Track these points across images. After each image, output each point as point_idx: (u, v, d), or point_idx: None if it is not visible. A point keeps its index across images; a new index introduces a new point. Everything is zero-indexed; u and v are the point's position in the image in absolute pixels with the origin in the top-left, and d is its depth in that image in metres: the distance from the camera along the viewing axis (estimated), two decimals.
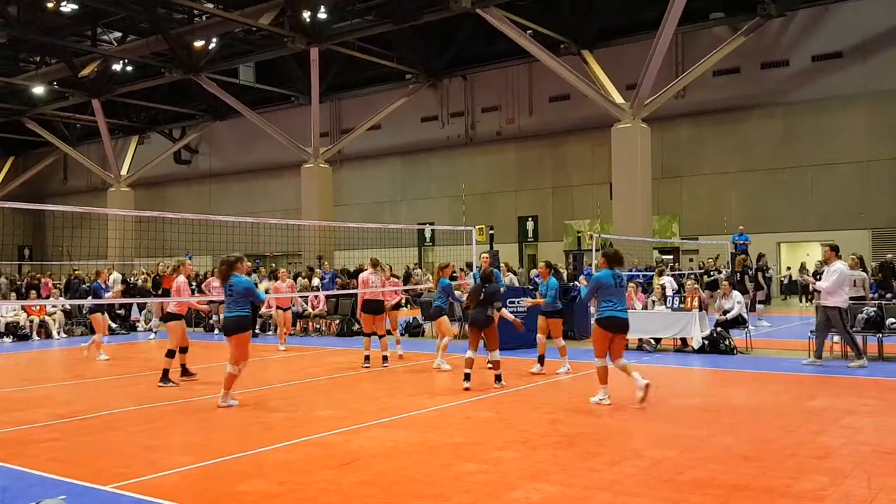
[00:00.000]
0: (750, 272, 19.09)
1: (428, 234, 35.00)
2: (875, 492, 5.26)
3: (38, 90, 37.07)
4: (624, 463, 6.13)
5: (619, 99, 26.15)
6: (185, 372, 11.27)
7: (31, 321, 18.77)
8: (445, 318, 12.10)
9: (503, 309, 10.74)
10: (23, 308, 18.73)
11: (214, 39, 31.42)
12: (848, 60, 27.20)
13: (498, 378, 9.96)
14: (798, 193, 27.99)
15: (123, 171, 41.43)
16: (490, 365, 10.45)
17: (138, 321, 20.70)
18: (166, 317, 11.64)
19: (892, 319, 12.12)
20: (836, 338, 12.39)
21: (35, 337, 18.62)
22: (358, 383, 10.79)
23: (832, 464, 6.00)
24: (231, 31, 30.89)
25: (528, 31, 26.97)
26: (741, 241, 22.73)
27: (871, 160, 26.58)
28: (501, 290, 11.18)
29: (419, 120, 36.35)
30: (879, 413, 8.03)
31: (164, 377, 10.70)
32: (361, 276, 12.99)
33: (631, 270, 21.20)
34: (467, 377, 9.70)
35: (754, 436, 7.01)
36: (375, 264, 12.91)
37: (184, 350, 11.21)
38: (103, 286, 15.17)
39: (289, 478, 5.86)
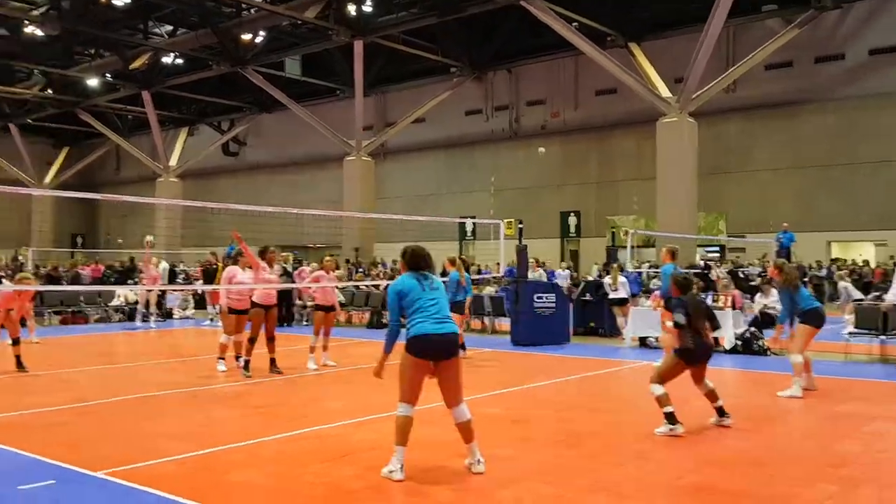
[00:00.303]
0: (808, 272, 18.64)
1: (469, 228, 34.85)
2: (884, 503, 4.96)
3: (92, 82, 37.93)
4: (626, 465, 5.92)
5: (665, 93, 25.59)
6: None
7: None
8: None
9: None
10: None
11: (261, 33, 31.73)
12: None
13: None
14: (850, 191, 27.05)
15: (173, 162, 42.16)
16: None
17: (174, 309, 20.99)
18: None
19: None
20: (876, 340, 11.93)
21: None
22: (370, 376, 10.68)
23: (845, 472, 5.69)
24: (277, 25, 31.12)
25: (574, 24, 26.56)
26: (786, 239, 22.05)
27: None
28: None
29: (463, 113, 36.16)
30: None
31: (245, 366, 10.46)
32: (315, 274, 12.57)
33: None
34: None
35: (769, 441, 6.72)
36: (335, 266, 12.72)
37: (252, 340, 10.56)
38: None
39: (281, 469, 5.80)
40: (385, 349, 5.88)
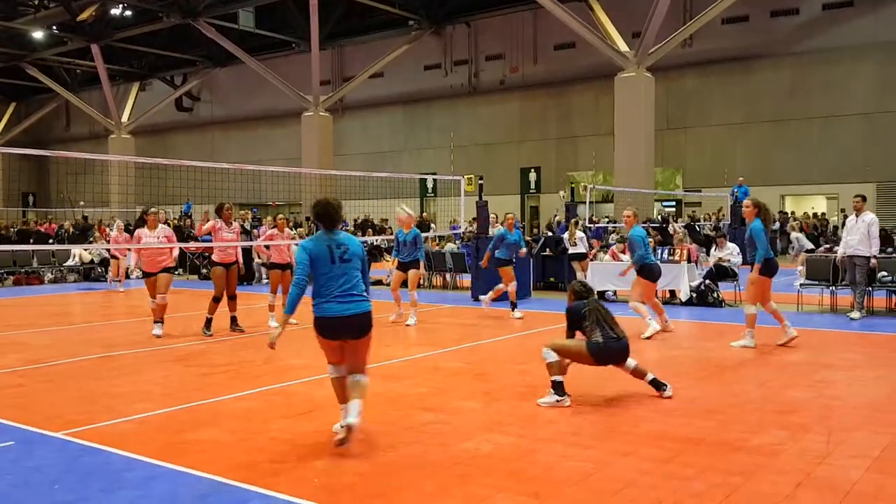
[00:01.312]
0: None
1: (430, 185, 34.76)
2: (832, 447, 5.15)
3: (37, 34, 36.62)
4: (585, 415, 6.03)
5: (623, 47, 25.59)
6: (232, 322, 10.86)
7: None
8: (509, 268, 12.04)
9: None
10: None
11: None
12: (859, 10, 26.48)
13: None
14: (804, 146, 27.53)
15: (124, 119, 41.17)
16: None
17: (131, 269, 20.66)
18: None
19: (885, 273, 11.92)
20: (826, 291, 12.27)
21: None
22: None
23: (795, 418, 5.87)
24: None
25: None
26: (741, 193, 22.41)
27: (879, 112, 26.04)
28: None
29: (422, 68, 35.79)
30: (856, 367, 7.90)
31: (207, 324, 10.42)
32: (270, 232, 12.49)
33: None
34: None
35: (722, 389, 6.90)
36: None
37: (216, 299, 10.49)
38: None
39: (242, 426, 5.80)
40: (287, 310, 5.42)
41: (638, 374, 6.57)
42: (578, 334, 6.59)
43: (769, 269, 9.11)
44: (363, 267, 5.51)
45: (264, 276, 19.03)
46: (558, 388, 6.34)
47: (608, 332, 6.40)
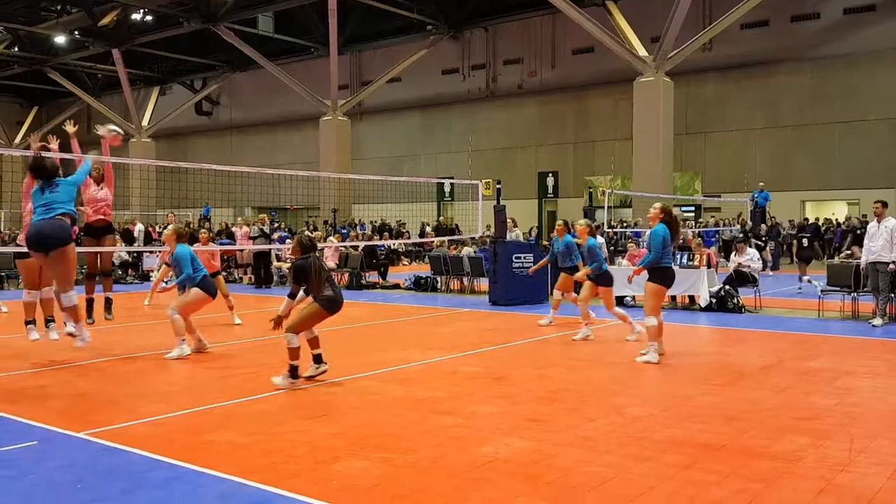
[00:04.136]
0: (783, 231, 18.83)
1: (447, 189, 34.80)
2: (855, 454, 5.09)
3: (60, 39, 37.09)
4: (602, 420, 6.01)
5: (642, 52, 25.51)
6: None
7: None
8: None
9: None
10: None
11: None
12: (881, 14, 26.25)
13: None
14: (824, 151, 27.31)
15: (145, 122, 41.53)
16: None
17: (152, 271, 20.82)
18: None
19: None
20: (847, 297, 12.18)
21: None
22: (353, 336, 10.75)
23: (816, 425, 5.82)
24: None
25: None
26: (761, 199, 22.26)
27: None
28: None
29: (440, 73, 35.87)
30: (878, 374, 7.82)
31: None
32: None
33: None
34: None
35: (743, 395, 6.85)
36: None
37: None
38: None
39: (260, 428, 5.82)
40: None
41: (314, 343, 7.47)
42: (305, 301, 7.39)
43: (660, 278, 8.49)
44: None
45: (280, 278, 19.14)
46: (294, 371, 7.16)
47: (334, 284, 7.48)
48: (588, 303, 10.30)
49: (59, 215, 7.32)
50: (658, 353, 8.42)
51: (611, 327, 11.68)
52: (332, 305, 7.35)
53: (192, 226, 24.69)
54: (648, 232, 9.50)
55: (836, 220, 26.41)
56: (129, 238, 22.46)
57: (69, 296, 7.58)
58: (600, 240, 15.43)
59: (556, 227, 11.69)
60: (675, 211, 9.32)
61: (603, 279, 10.16)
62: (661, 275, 8.55)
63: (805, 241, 18.94)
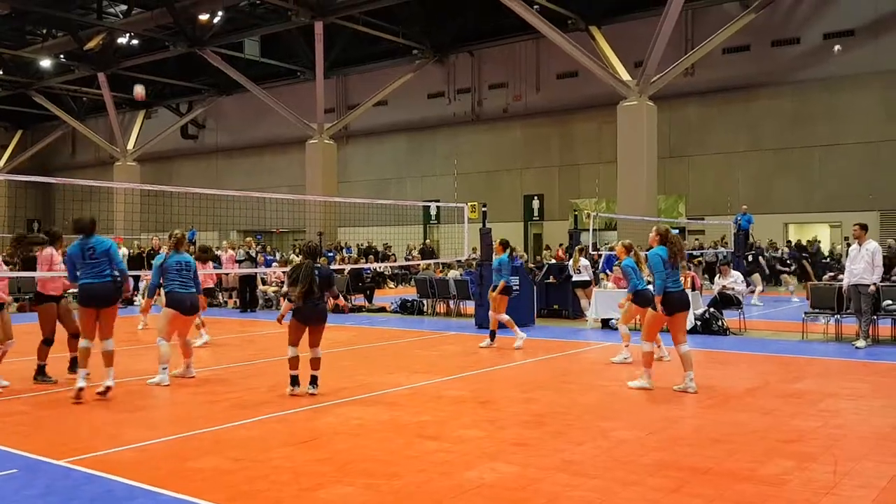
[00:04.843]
0: (764, 254, 18.98)
1: (434, 212, 34.85)
2: (839, 477, 5.11)
3: (45, 63, 37.00)
4: (588, 444, 6.00)
5: (625, 76, 25.75)
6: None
7: None
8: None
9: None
10: None
11: (219, 13, 31.13)
12: (860, 39, 26.65)
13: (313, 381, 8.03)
14: (806, 174, 27.59)
15: (130, 146, 41.39)
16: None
17: (135, 294, 20.67)
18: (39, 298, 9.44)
19: (889, 301, 11.90)
20: (830, 320, 12.26)
21: None
22: (339, 360, 10.68)
23: (801, 447, 5.84)
24: (236, 4, 30.61)
25: (535, 6, 26.52)
26: (744, 221, 22.43)
27: (882, 141, 26.08)
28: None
29: (426, 96, 36.02)
30: (861, 396, 7.86)
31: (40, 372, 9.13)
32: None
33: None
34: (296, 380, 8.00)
35: (728, 418, 6.86)
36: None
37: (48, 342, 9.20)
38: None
39: (245, 454, 5.77)
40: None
41: (314, 364, 8.05)
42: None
43: (667, 304, 8.10)
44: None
45: (269, 303, 19.05)
46: (294, 380, 7.96)
47: (311, 296, 7.82)
48: (628, 324, 10.34)
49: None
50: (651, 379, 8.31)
51: (593, 350, 11.71)
52: (301, 315, 7.90)
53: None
54: (644, 253, 9.64)
55: (788, 241, 26.76)
56: None
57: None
58: (584, 261, 15.55)
59: (496, 246, 12.42)
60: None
61: (640, 299, 9.80)
62: (659, 300, 8.13)
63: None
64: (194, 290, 8.95)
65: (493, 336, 11.88)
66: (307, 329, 7.99)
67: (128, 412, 7.35)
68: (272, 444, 6.10)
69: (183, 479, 5.19)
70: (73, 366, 8.98)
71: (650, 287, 8.88)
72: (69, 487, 5.05)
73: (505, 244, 12.14)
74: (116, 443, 6.13)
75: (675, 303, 8.18)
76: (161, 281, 8.94)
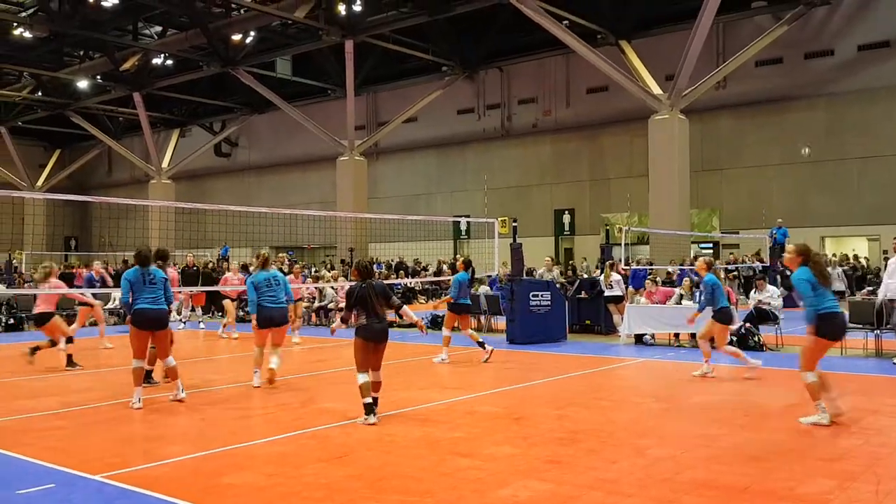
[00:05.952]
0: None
1: (464, 227, 34.85)
2: (882, 497, 4.98)
3: (82, 84, 37.80)
4: (623, 461, 5.91)
5: (656, 90, 25.63)
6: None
7: None
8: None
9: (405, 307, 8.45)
10: None
11: (252, 33, 31.65)
12: (895, 50, 26.27)
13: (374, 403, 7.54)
14: (842, 186, 27.16)
15: (165, 164, 42.02)
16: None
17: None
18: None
19: None
20: (870, 335, 12.01)
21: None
22: None
23: (843, 466, 5.71)
24: (268, 25, 31.05)
25: (565, 22, 26.57)
26: (780, 235, 22.13)
27: None
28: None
29: (455, 112, 36.15)
30: None
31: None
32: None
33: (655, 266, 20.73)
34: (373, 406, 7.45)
35: (766, 436, 6.73)
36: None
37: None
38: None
39: (278, 470, 5.77)
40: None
41: (375, 387, 7.51)
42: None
43: (825, 328, 7.15)
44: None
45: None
46: (368, 408, 7.32)
47: (371, 314, 7.41)
48: (706, 340, 10.38)
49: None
50: (830, 410, 7.11)
51: (627, 366, 11.58)
52: (365, 332, 7.45)
53: (210, 265, 24.73)
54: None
55: (746, 256, 26.16)
56: None
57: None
58: (616, 276, 15.43)
59: (458, 264, 12.70)
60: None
61: (723, 316, 10.07)
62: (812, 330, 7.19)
63: None
64: (283, 303, 9.70)
65: (482, 345, 11.76)
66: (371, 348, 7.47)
67: (161, 428, 7.41)
68: (305, 459, 6.10)
69: (216, 494, 5.20)
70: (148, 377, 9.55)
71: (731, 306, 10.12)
72: (104, 502, 5.08)
73: (467, 263, 12.32)
74: (151, 458, 6.17)
75: (840, 325, 7.28)
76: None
